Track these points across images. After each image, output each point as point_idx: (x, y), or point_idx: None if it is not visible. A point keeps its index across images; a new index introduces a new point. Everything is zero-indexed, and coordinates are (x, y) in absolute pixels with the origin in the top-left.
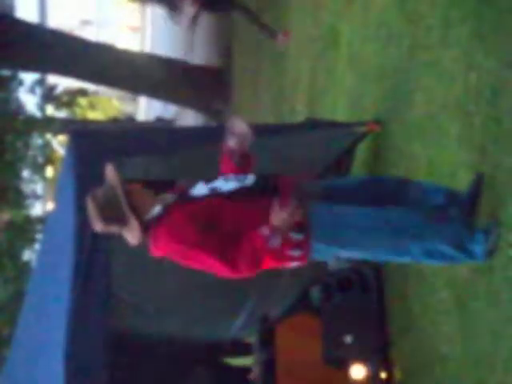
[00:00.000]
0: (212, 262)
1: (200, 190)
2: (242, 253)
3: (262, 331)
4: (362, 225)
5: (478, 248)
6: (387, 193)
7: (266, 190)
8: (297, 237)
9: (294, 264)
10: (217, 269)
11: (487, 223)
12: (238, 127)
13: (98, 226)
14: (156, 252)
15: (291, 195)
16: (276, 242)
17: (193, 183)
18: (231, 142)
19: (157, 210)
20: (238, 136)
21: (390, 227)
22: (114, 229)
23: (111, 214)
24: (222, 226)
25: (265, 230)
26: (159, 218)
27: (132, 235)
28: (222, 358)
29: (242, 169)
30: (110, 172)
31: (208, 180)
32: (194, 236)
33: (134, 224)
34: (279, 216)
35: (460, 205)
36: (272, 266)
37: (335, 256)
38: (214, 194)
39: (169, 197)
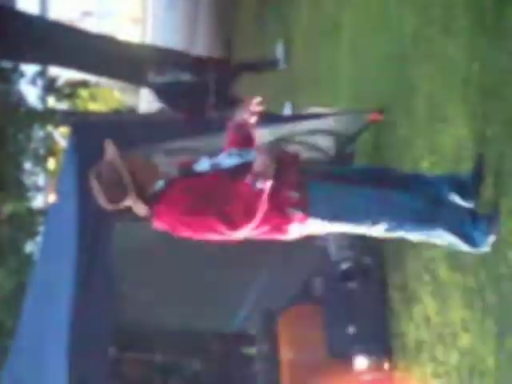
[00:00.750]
0: (211, 222)
1: (203, 165)
2: (234, 207)
3: (265, 323)
4: (361, 202)
5: (479, 235)
6: (389, 181)
7: None
8: (294, 195)
9: (295, 228)
10: (217, 228)
11: (489, 211)
12: (253, 105)
13: (106, 206)
14: (158, 225)
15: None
16: (259, 185)
17: (197, 158)
18: (242, 116)
19: (159, 184)
20: (250, 112)
21: (389, 207)
22: (122, 206)
23: (117, 193)
24: (218, 201)
25: (248, 178)
26: (161, 192)
27: (139, 210)
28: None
29: (245, 142)
30: (109, 150)
31: (211, 155)
32: (190, 203)
33: (138, 203)
34: (260, 160)
35: (464, 191)
36: (262, 206)
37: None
38: (216, 170)
39: (172, 172)
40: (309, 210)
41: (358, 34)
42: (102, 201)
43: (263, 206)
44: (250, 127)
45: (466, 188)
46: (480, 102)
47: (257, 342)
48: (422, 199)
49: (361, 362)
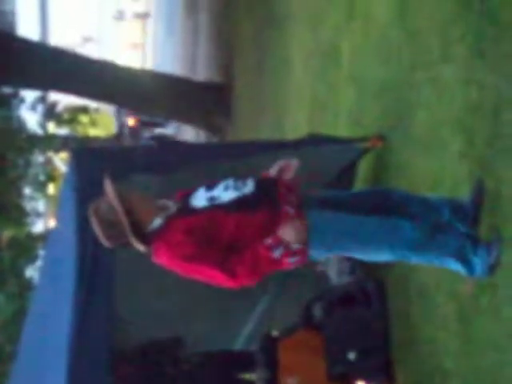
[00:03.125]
0: (212, 272)
1: (200, 199)
2: (242, 261)
3: (265, 348)
4: (357, 232)
5: (480, 262)
6: (389, 205)
7: (265, 198)
8: (296, 246)
9: (291, 261)
10: (217, 279)
11: (490, 238)
12: (289, 167)
13: (105, 243)
14: (157, 261)
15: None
16: (279, 253)
17: (194, 189)
18: (273, 172)
19: (157, 222)
20: (283, 171)
21: (388, 234)
22: (120, 243)
23: (115, 231)
24: (220, 240)
25: (269, 241)
26: (160, 231)
27: (138, 248)
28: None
29: None
30: (108, 188)
31: (209, 186)
32: (193, 250)
33: (136, 243)
34: (289, 231)
35: (464, 216)
36: (270, 272)
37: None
38: (213, 206)
39: (170, 205)
40: (309, 240)
41: (357, 58)
42: (101, 238)
43: (269, 270)
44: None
45: (466, 213)
46: (478, 126)
47: (257, 367)
48: (423, 224)
49: None
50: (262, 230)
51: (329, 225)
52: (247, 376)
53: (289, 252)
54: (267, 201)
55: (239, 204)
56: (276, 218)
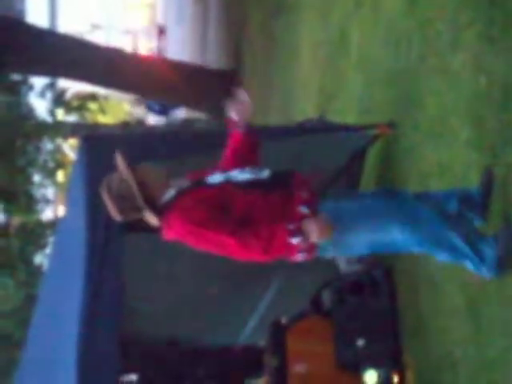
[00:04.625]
0: (224, 239)
1: (215, 178)
2: (257, 234)
3: (274, 335)
4: (371, 210)
5: (489, 251)
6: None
7: (279, 185)
8: (305, 210)
9: (300, 257)
10: (228, 247)
11: (499, 229)
12: (240, 99)
13: (117, 217)
14: (169, 235)
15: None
16: (296, 241)
17: (208, 172)
18: (233, 113)
19: (171, 193)
20: (239, 106)
21: (400, 214)
22: (133, 217)
23: (127, 205)
24: (232, 212)
25: (291, 226)
26: (173, 201)
27: (150, 220)
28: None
29: (249, 139)
30: (119, 162)
31: (224, 170)
32: (205, 214)
33: (149, 215)
34: (313, 225)
35: (474, 205)
36: (279, 255)
37: (341, 253)
38: (229, 182)
39: (183, 181)
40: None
41: (366, 46)
42: (113, 212)
43: (279, 257)
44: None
45: (475, 202)
46: (487, 115)
47: (265, 355)
48: (434, 210)
49: (370, 376)
50: (273, 212)
51: (341, 209)
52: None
53: (306, 245)
54: (281, 186)
55: (254, 184)
56: (289, 202)
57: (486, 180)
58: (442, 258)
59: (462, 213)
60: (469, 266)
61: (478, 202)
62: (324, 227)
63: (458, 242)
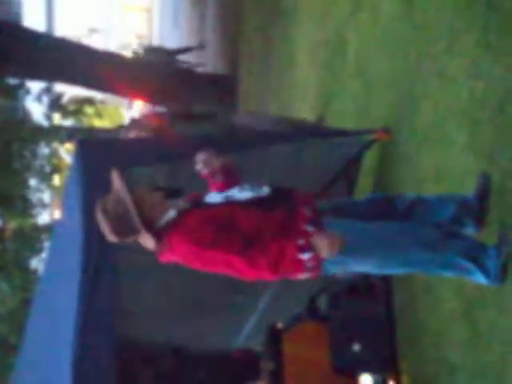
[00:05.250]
0: (231, 258)
1: (214, 197)
2: (266, 252)
3: (270, 340)
4: (374, 236)
5: (491, 263)
6: (398, 210)
7: (279, 201)
8: (310, 229)
9: (305, 275)
10: (236, 267)
11: (498, 236)
12: (200, 157)
13: (113, 239)
14: (168, 257)
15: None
16: (306, 257)
17: (206, 192)
18: (202, 170)
19: (171, 214)
20: (203, 162)
21: (403, 239)
22: (128, 239)
23: (123, 225)
24: (238, 231)
25: (302, 241)
26: (173, 223)
27: (147, 243)
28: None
29: (229, 181)
30: (116, 181)
31: (220, 190)
32: (212, 235)
33: (146, 236)
34: (323, 241)
35: (470, 212)
36: (288, 272)
37: (344, 269)
38: (230, 201)
39: (181, 203)
40: (322, 265)
41: (364, 50)
42: (108, 234)
43: (288, 271)
44: (223, 170)
45: (472, 208)
46: (484, 120)
47: (262, 359)
48: (434, 229)
49: (366, 381)
50: (279, 229)
51: (345, 228)
52: None
53: (315, 261)
54: (283, 203)
55: (256, 202)
56: (292, 218)
57: (482, 184)
58: (446, 275)
59: (458, 228)
60: (475, 279)
61: (474, 207)
62: (335, 241)
63: (460, 261)
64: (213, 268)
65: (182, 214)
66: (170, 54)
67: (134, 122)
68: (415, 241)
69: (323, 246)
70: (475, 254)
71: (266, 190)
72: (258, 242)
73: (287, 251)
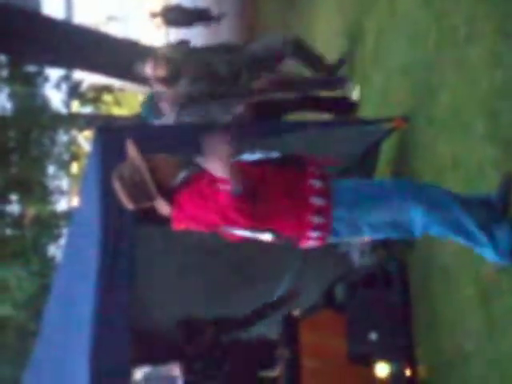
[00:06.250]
0: (242, 221)
1: None
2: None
3: (286, 328)
4: (390, 190)
5: (504, 235)
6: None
7: (291, 163)
8: (317, 184)
9: (311, 243)
10: (233, 218)
11: None
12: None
13: (129, 206)
14: (179, 219)
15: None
16: (315, 235)
17: None
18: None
19: (182, 175)
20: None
21: (419, 195)
22: (144, 205)
23: (139, 192)
24: (248, 189)
25: (316, 220)
26: (185, 182)
27: (162, 208)
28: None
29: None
30: (131, 150)
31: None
32: (223, 195)
33: (162, 202)
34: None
35: (491, 211)
36: (288, 231)
37: (354, 232)
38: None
39: (193, 167)
40: (333, 197)
41: (382, 38)
42: (125, 201)
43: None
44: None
45: (493, 208)
46: (503, 109)
47: (278, 348)
48: (451, 195)
49: (382, 369)
50: (288, 186)
51: (354, 184)
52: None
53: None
54: (293, 163)
55: (266, 161)
56: (301, 178)
57: (505, 185)
58: (456, 241)
59: (478, 200)
60: (483, 252)
61: (494, 204)
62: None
63: (473, 228)
64: (220, 229)
65: (191, 175)
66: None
67: (154, 58)
68: (431, 198)
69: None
70: (489, 225)
71: (276, 154)
72: (266, 200)
73: (303, 222)
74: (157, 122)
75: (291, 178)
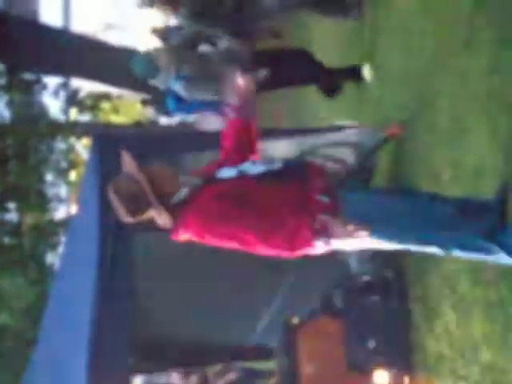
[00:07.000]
0: (245, 235)
1: (226, 172)
2: (282, 227)
3: (284, 336)
4: (394, 209)
5: (510, 240)
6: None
7: (294, 175)
8: (325, 199)
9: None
10: (250, 242)
11: None
12: (240, 83)
13: (127, 219)
14: (182, 234)
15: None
16: (319, 242)
17: (215, 166)
18: (230, 95)
19: (184, 192)
20: (240, 92)
21: (421, 214)
22: (142, 218)
23: (138, 205)
24: (252, 204)
25: (318, 226)
26: (187, 200)
27: (163, 221)
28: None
29: (247, 125)
30: (127, 161)
31: (229, 163)
32: (226, 211)
33: (163, 213)
34: (340, 232)
35: (488, 213)
36: (303, 247)
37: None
38: (243, 175)
39: (194, 179)
40: (341, 212)
41: (379, 45)
42: (122, 214)
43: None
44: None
45: (490, 214)
46: (502, 115)
47: (276, 355)
48: (454, 207)
49: (381, 376)
50: (294, 202)
51: (362, 198)
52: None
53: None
54: (296, 176)
55: (269, 175)
56: (306, 189)
57: (502, 192)
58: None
59: (477, 211)
60: (497, 260)
61: (492, 209)
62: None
63: (480, 241)
64: (226, 244)
65: (194, 190)
66: None
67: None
68: (434, 218)
69: (341, 235)
70: (493, 233)
71: (278, 164)
72: (273, 217)
73: (301, 230)
74: (155, 80)
75: (296, 194)
